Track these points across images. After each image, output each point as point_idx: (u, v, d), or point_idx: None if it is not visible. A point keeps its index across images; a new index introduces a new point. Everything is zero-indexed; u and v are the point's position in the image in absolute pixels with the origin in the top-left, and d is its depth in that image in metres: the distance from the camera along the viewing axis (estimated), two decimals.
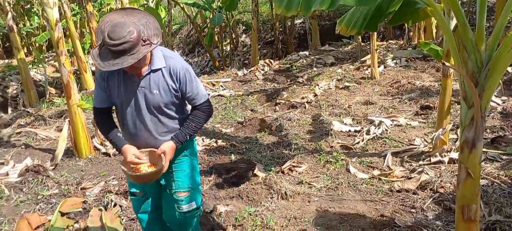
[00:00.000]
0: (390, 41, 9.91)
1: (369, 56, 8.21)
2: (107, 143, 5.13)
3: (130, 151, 2.38)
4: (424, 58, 7.97)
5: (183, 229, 2.73)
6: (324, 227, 3.32)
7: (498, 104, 5.38)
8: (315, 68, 8.50)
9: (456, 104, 5.30)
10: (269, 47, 14.12)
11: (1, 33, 15.13)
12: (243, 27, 15.88)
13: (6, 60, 14.61)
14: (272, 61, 9.87)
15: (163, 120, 2.44)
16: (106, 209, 3.56)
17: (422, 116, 5.35)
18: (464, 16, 1.73)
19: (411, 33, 9.22)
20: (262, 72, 8.87)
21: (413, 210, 3.45)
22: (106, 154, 5.00)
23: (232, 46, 13.30)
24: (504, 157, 4.10)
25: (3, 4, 7.63)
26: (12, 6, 10.90)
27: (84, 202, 3.75)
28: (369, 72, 7.32)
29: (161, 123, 2.44)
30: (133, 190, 2.71)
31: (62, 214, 3.51)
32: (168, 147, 2.41)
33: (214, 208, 3.63)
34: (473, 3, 8.35)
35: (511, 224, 3.03)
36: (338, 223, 3.35)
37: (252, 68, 9.28)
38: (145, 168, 2.40)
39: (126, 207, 3.63)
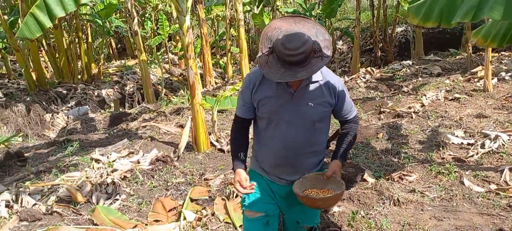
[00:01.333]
0: (503, 53, 9.34)
1: (480, 67, 7.89)
2: (223, 140, 5.59)
3: (243, 175, 2.25)
4: None
5: None
6: None
7: None
8: (420, 78, 8.33)
9: None
10: (367, 55, 14.01)
11: (120, 36, 16.75)
12: (339, 33, 15.92)
13: (122, 61, 16.09)
14: (373, 69, 9.83)
15: (314, 136, 2.26)
16: (228, 199, 3.93)
17: None
18: None
19: None
20: (364, 80, 8.88)
21: None
22: (221, 150, 5.43)
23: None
24: None
25: (131, 10, 8.58)
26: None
27: (208, 191, 4.17)
28: (480, 85, 7.01)
29: (311, 139, 2.25)
30: (253, 209, 2.37)
31: (192, 200, 3.95)
32: (337, 166, 2.25)
33: None
34: None
35: None
36: None
37: (353, 76, 9.33)
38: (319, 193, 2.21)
39: None
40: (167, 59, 13.82)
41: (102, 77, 11.55)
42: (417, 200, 3.89)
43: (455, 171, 4.35)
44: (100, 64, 11.81)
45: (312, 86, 2.18)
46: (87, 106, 8.40)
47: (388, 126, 5.79)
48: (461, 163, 4.56)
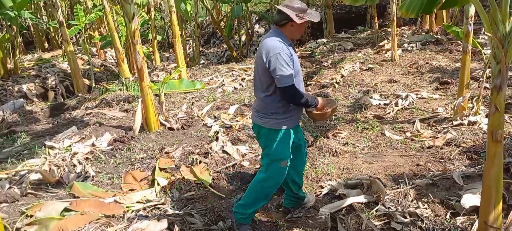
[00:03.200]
0: (403, 27, 10.71)
1: (386, 41, 9.04)
2: (171, 119, 5.98)
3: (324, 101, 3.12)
4: (437, 42, 8.78)
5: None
6: (373, 174, 4.15)
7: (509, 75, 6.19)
8: (336, 54, 9.32)
9: (471, 80, 6.11)
10: None
11: (39, 29, 15.90)
12: (256, 17, 16.72)
13: (34, 55, 15.32)
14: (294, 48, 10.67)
15: None
16: (193, 166, 4.40)
17: (442, 90, 6.18)
18: (495, 3, 2.54)
19: (422, 20, 10.04)
20: None
21: (442, 160, 4.27)
22: (171, 128, 5.83)
23: (247, 36, 14.05)
24: None
25: (55, 1, 8.44)
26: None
27: (173, 160, 4.60)
28: (389, 55, 8.13)
29: None
30: (287, 159, 3.09)
31: (161, 169, 4.36)
32: (321, 99, 3.15)
33: None
34: None
35: None
36: (383, 171, 4.18)
37: None
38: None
39: (209, 164, 4.48)
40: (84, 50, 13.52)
41: (19, 72, 11.10)
42: (351, 151, 4.70)
43: (377, 126, 5.24)
44: (16, 58, 11.30)
45: None
46: (22, 99, 8.17)
47: (316, 95, 6.59)
48: (381, 119, 5.48)
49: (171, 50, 15.98)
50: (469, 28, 4.69)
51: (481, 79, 4.95)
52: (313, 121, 3.38)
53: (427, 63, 7.38)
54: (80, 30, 12.04)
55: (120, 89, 7.85)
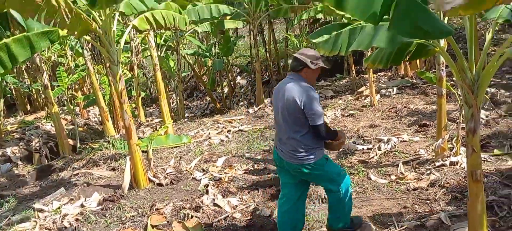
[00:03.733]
0: (379, 73, 11.13)
1: (364, 87, 9.38)
2: (159, 175, 6.02)
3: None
4: (413, 86, 9.15)
5: None
6: (363, 218, 4.24)
7: (482, 118, 6.48)
8: None
9: (449, 121, 6.38)
10: (265, 86, 15.30)
11: (22, 92, 15.93)
12: (238, 70, 17.12)
13: (16, 118, 15.29)
14: None
15: None
16: (184, 221, 4.43)
17: (421, 132, 6.42)
18: (461, 53, 2.77)
19: (397, 66, 10.48)
20: (270, 108, 9.90)
21: (427, 201, 4.40)
22: (160, 184, 5.86)
23: (230, 88, 14.34)
24: (492, 158, 5.15)
25: (40, 65, 8.57)
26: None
27: (165, 217, 4.62)
28: (368, 101, 8.42)
29: None
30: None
31: (152, 226, 4.37)
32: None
33: (271, 212, 4.54)
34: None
35: (503, 202, 4.02)
36: (372, 216, 4.28)
37: (261, 106, 10.31)
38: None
39: (201, 218, 4.51)
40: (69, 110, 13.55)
41: (3, 135, 11.03)
42: None
43: (362, 170, 5.38)
44: (0, 122, 11.26)
45: None
46: (9, 163, 8.10)
47: None
48: (366, 164, 5.64)
49: (154, 105, 16.12)
50: (441, 73, 4.98)
51: (458, 120, 5.20)
52: (330, 150, 4.05)
53: (405, 107, 7.67)
54: (63, 90, 12.16)
55: (106, 148, 7.87)
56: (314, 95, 3.20)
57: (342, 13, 2.87)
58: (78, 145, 9.32)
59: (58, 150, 9.41)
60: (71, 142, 10.30)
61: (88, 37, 5.83)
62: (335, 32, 3.96)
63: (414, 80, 9.46)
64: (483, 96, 2.80)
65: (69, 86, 13.55)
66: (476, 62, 2.76)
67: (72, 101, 13.24)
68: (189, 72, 17.61)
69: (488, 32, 2.94)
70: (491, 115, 6.60)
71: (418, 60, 9.94)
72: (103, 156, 7.30)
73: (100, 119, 12.56)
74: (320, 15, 10.09)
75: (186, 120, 11.74)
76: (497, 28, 8.22)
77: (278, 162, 3.58)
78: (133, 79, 12.08)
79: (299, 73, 3.31)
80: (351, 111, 8.05)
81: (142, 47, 14.11)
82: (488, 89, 7.63)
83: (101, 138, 10.30)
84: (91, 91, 11.50)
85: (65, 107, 14.15)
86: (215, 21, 10.87)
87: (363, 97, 8.89)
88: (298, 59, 3.30)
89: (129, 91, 14.08)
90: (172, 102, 15.37)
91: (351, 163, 5.77)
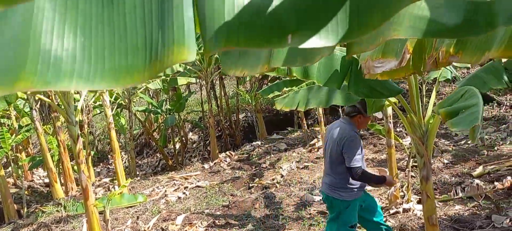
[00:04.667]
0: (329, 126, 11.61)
1: (316, 139, 9.73)
2: None
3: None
4: (361, 137, 9.63)
5: None
6: None
7: None
8: (272, 155, 9.80)
9: (399, 170, 6.78)
10: (218, 141, 15.41)
11: None
12: (190, 126, 17.15)
13: None
14: (232, 152, 11.05)
15: None
16: None
17: None
18: (410, 108, 3.09)
19: None
20: (226, 162, 9.99)
21: None
22: None
23: (182, 144, 14.29)
24: (440, 204, 5.52)
25: None
26: None
27: None
28: (320, 153, 8.74)
29: None
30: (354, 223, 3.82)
31: None
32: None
33: None
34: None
35: None
36: None
37: (216, 161, 10.36)
38: None
39: None
40: (10, 172, 12.88)
41: None
42: None
43: (322, 221, 5.55)
44: None
45: None
46: None
47: (261, 197, 6.86)
48: (325, 214, 5.81)
49: (101, 164, 15.70)
50: (390, 125, 5.37)
51: (407, 169, 5.56)
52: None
53: None
54: (6, 152, 11.60)
55: (58, 211, 7.54)
56: (356, 141, 3.54)
57: (307, 80, 3.20)
58: (25, 209, 8.83)
59: (3, 215, 8.87)
60: (15, 206, 9.76)
61: (43, 97, 5.76)
62: (290, 88, 4.31)
63: (363, 132, 9.97)
64: (432, 146, 3.11)
65: (12, 148, 12.97)
66: (424, 116, 3.08)
67: (17, 163, 12.65)
68: (139, 129, 17.43)
69: (433, 89, 3.32)
70: (436, 163, 7.09)
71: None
72: (55, 220, 6.98)
73: (46, 181, 12.06)
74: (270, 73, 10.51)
75: (139, 178, 11.51)
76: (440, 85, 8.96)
77: (323, 198, 3.98)
78: (84, 139, 11.77)
79: (352, 119, 3.67)
80: (305, 164, 8.31)
81: (92, 106, 13.87)
82: None
83: (47, 200, 9.83)
84: (37, 152, 11.03)
85: (8, 170, 13.45)
86: (168, 78, 11.00)
87: (315, 150, 9.21)
88: (354, 106, 3.65)
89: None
90: (122, 161, 15.02)
91: (310, 214, 5.93)
